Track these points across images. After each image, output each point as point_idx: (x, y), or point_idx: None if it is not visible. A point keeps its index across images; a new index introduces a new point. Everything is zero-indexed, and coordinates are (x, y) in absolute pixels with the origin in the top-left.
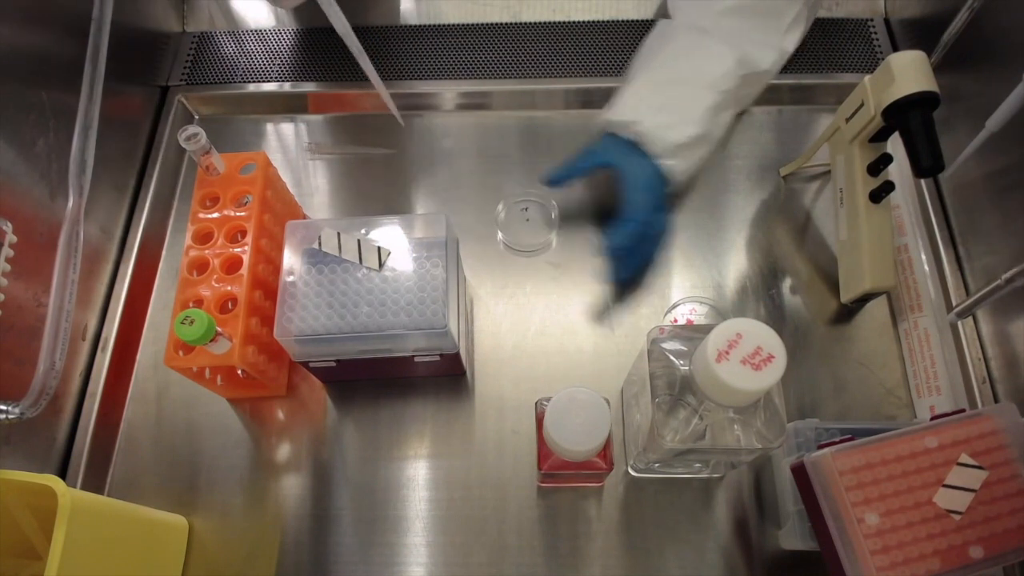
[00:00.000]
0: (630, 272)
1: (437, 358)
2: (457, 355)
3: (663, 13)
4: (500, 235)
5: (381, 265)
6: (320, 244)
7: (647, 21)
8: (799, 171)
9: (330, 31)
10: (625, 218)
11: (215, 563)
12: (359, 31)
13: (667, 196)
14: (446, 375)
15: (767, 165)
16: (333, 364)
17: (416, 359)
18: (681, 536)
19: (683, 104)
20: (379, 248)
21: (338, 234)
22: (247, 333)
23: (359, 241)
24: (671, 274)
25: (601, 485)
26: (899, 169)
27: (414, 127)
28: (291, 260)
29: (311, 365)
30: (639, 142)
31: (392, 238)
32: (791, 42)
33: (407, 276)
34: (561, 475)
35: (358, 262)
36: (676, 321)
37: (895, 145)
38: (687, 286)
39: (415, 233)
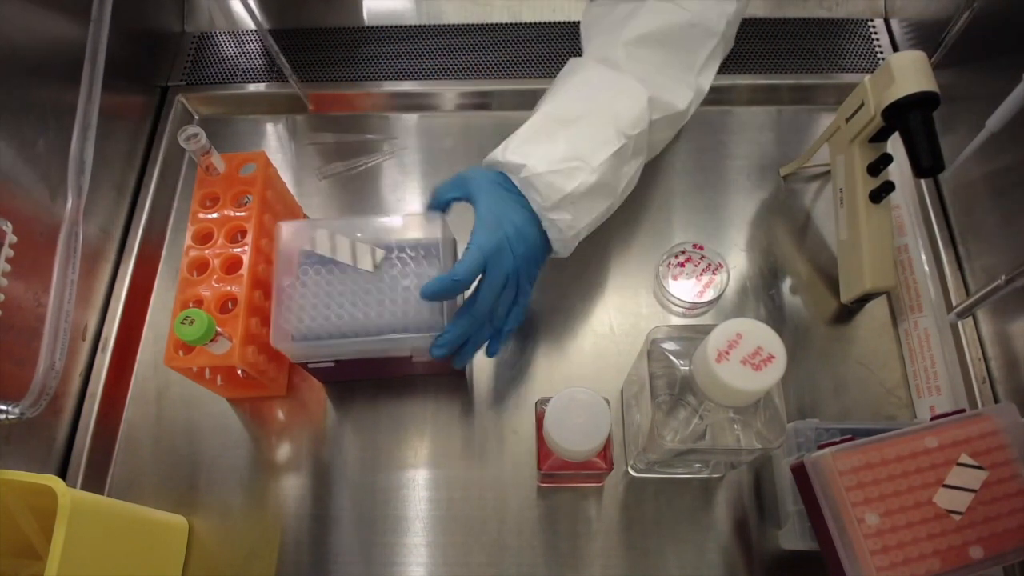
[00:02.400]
0: (442, 353)
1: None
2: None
3: None
4: None
5: (376, 267)
6: (314, 246)
7: None
8: (799, 171)
9: (330, 31)
10: (449, 275)
11: (215, 563)
12: (355, 31)
13: (529, 271)
14: (446, 374)
15: (767, 165)
16: (331, 365)
17: (414, 359)
18: (681, 536)
19: (583, 147)
20: (373, 249)
21: (332, 235)
22: (247, 333)
23: (353, 243)
24: None
25: (601, 485)
26: (899, 169)
27: (414, 127)
28: (285, 262)
29: (309, 366)
30: (524, 191)
31: (387, 239)
32: (706, 81)
33: (403, 278)
34: (561, 475)
35: (352, 264)
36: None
37: (895, 145)
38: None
39: (411, 233)
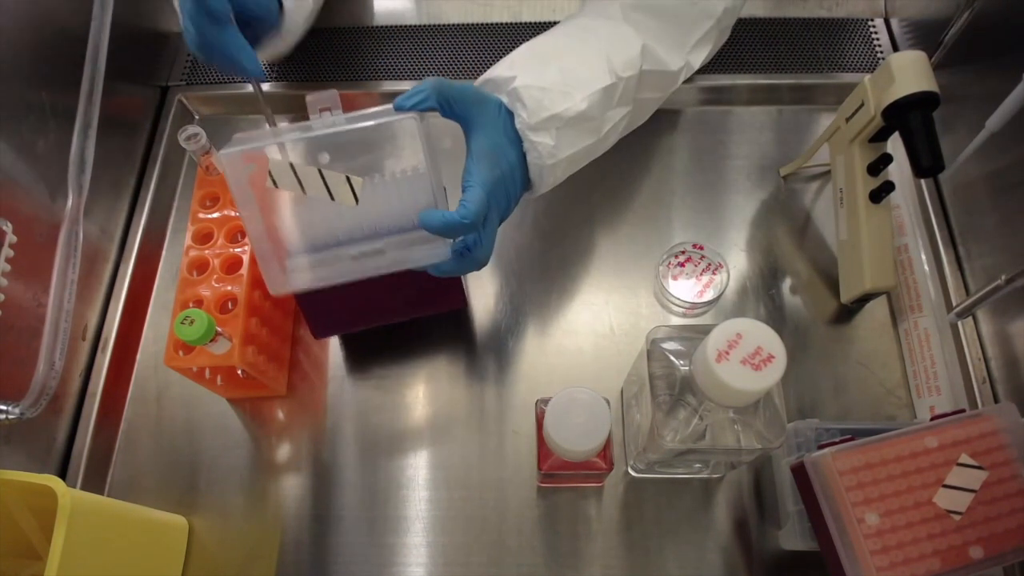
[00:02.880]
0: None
1: (445, 255)
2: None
3: None
4: None
5: (357, 199)
6: (274, 182)
7: None
8: (799, 171)
9: (330, 31)
10: (463, 200)
11: (215, 563)
12: (356, 31)
13: (507, 204)
14: (448, 310)
15: (767, 165)
16: (327, 291)
17: (414, 274)
18: (681, 536)
19: (574, 75)
20: (348, 178)
21: (291, 166)
22: (247, 333)
23: (321, 172)
24: None
25: (601, 485)
26: (899, 169)
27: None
28: (242, 195)
29: (303, 306)
30: (510, 105)
31: (351, 136)
32: (697, 59)
33: (388, 184)
34: (561, 475)
35: (328, 197)
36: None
37: (895, 145)
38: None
39: (374, 120)
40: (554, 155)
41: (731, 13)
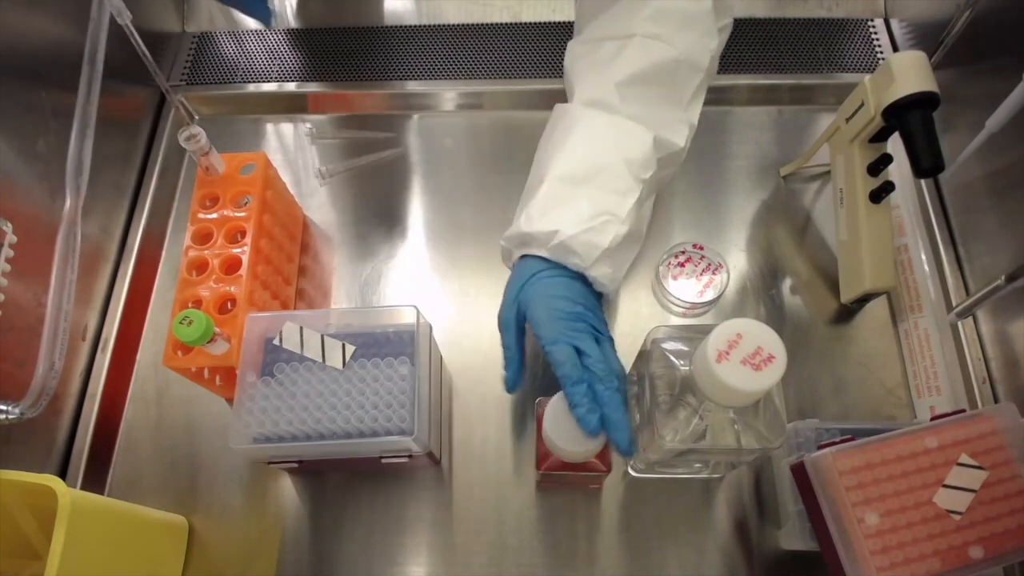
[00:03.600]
0: (624, 434)
1: (406, 459)
2: (428, 452)
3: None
4: None
5: (345, 363)
6: (281, 340)
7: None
8: (799, 171)
9: (330, 31)
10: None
11: (215, 563)
12: (356, 31)
13: (594, 316)
14: (419, 467)
15: (767, 165)
16: (295, 464)
17: (383, 460)
18: (681, 536)
19: (607, 201)
20: (343, 345)
21: (300, 329)
22: None
23: (322, 338)
24: None
25: (600, 487)
26: (899, 169)
27: (414, 127)
28: (250, 355)
29: (271, 464)
30: (560, 257)
31: (359, 330)
32: (694, 114)
33: (373, 375)
34: (559, 475)
35: (321, 360)
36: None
37: (895, 145)
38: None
39: (383, 323)
40: (615, 278)
41: (716, 58)
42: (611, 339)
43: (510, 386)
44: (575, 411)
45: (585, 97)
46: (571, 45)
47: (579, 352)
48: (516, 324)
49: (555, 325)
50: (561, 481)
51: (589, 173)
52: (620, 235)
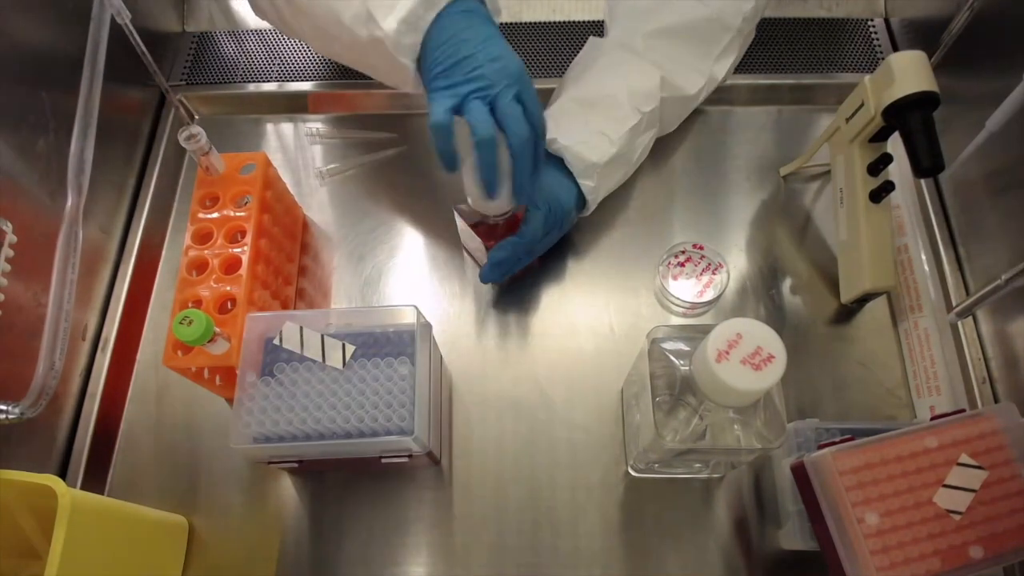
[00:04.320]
0: (498, 278)
1: (406, 459)
2: (428, 452)
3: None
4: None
5: (345, 363)
6: (281, 340)
7: None
8: (799, 171)
9: None
10: (518, 235)
11: (215, 563)
12: None
13: (569, 218)
14: (420, 467)
15: (767, 165)
16: (295, 464)
17: (383, 460)
18: (681, 536)
19: (604, 123)
20: (343, 345)
21: (300, 329)
22: None
23: (322, 337)
24: None
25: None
26: (899, 169)
27: (414, 127)
28: (250, 355)
29: (271, 464)
30: (560, 158)
31: (359, 329)
32: (721, 70)
33: (373, 375)
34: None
35: (321, 360)
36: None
37: (895, 145)
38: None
39: (383, 323)
40: (595, 191)
41: (751, 20)
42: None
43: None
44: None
45: (616, 38)
46: None
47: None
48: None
49: (549, 191)
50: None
51: (596, 98)
52: (608, 154)
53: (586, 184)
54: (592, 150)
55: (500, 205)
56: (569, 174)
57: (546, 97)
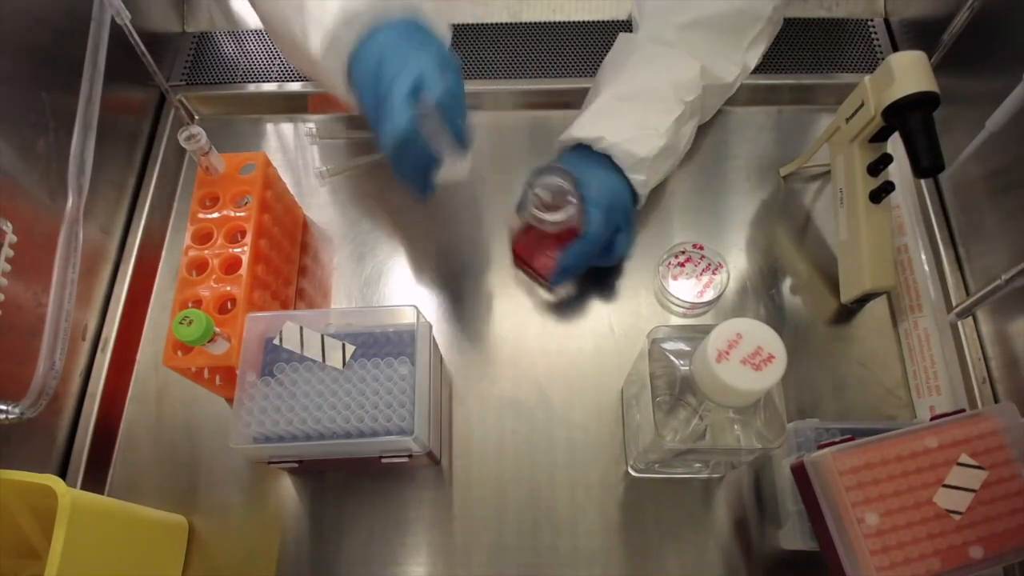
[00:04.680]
0: (569, 279)
1: (406, 459)
2: (428, 452)
3: (630, 27)
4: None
5: (345, 363)
6: (281, 340)
7: None
8: (799, 171)
9: None
10: (582, 237)
11: (215, 563)
12: None
13: (631, 213)
14: (420, 467)
15: (767, 165)
16: (295, 464)
17: (383, 460)
18: (681, 536)
19: (649, 116)
20: (343, 345)
21: (300, 329)
22: None
23: (322, 337)
24: None
25: (543, 284)
26: (899, 169)
27: None
28: (250, 355)
29: (270, 463)
30: (608, 155)
31: (359, 329)
32: (753, 58)
33: (373, 375)
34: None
35: (321, 360)
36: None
37: (895, 145)
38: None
39: (383, 323)
40: (647, 184)
41: (780, 8)
42: (631, 232)
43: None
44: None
45: (648, 32)
46: None
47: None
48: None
49: (607, 194)
50: (527, 259)
51: (637, 92)
52: (657, 148)
53: (637, 179)
54: (641, 145)
55: (556, 217)
56: (619, 170)
57: (545, 97)
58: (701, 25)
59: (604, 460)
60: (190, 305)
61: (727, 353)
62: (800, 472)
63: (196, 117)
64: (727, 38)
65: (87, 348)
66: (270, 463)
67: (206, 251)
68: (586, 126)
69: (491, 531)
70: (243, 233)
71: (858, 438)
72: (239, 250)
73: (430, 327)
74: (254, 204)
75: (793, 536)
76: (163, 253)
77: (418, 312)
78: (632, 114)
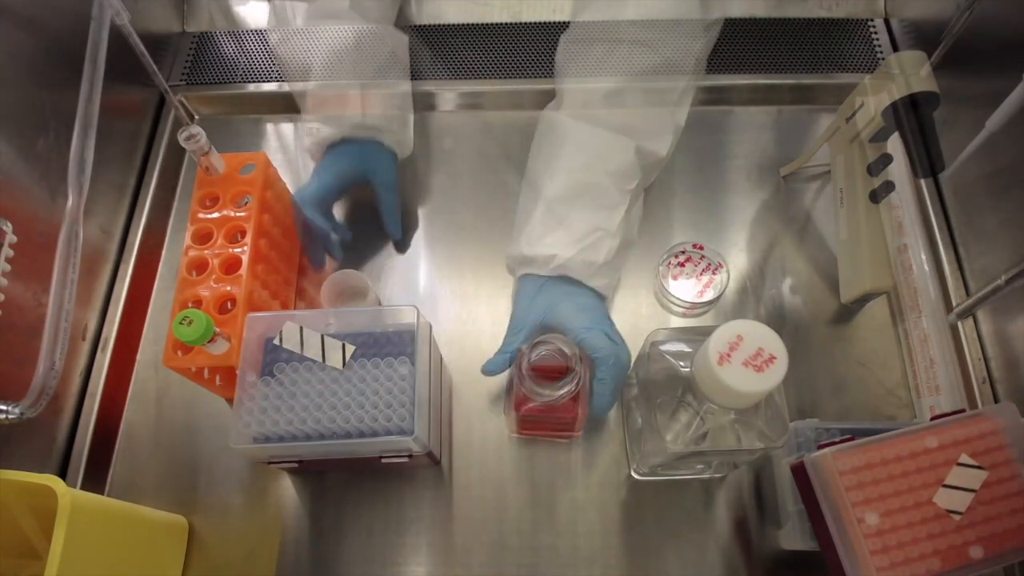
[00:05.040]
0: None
1: (406, 459)
2: (428, 452)
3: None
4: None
5: (345, 363)
6: (281, 340)
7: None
8: (799, 171)
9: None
10: (606, 372)
11: (215, 563)
12: None
13: (606, 318)
14: (420, 467)
15: (767, 165)
16: (295, 464)
17: (383, 460)
18: (681, 536)
19: (596, 218)
20: (343, 345)
21: (300, 329)
22: None
23: (322, 337)
24: None
25: (573, 438)
26: (899, 169)
27: (414, 127)
28: (250, 355)
29: (271, 464)
30: (563, 275)
31: (359, 329)
32: (682, 116)
33: (373, 375)
34: (534, 421)
35: (321, 360)
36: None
37: (895, 145)
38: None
39: (383, 323)
40: (611, 284)
41: (701, 60)
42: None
43: (495, 370)
44: (603, 387)
45: (573, 106)
46: (563, 40)
47: (607, 336)
48: (530, 327)
49: (587, 315)
50: (535, 427)
51: (578, 192)
52: (613, 248)
53: (600, 284)
54: (596, 251)
55: (559, 391)
56: (577, 284)
57: (545, 97)
58: (626, 89)
59: (604, 460)
60: (190, 305)
61: (728, 355)
62: (800, 472)
63: (196, 117)
64: (653, 101)
65: (87, 348)
66: (270, 463)
67: (206, 251)
68: (535, 242)
69: (491, 531)
70: (243, 233)
71: (858, 438)
72: (239, 250)
73: (430, 327)
74: (254, 204)
75: (793, 536)
76: (163, 253)
77: (418, 312)
78: (578, 221)
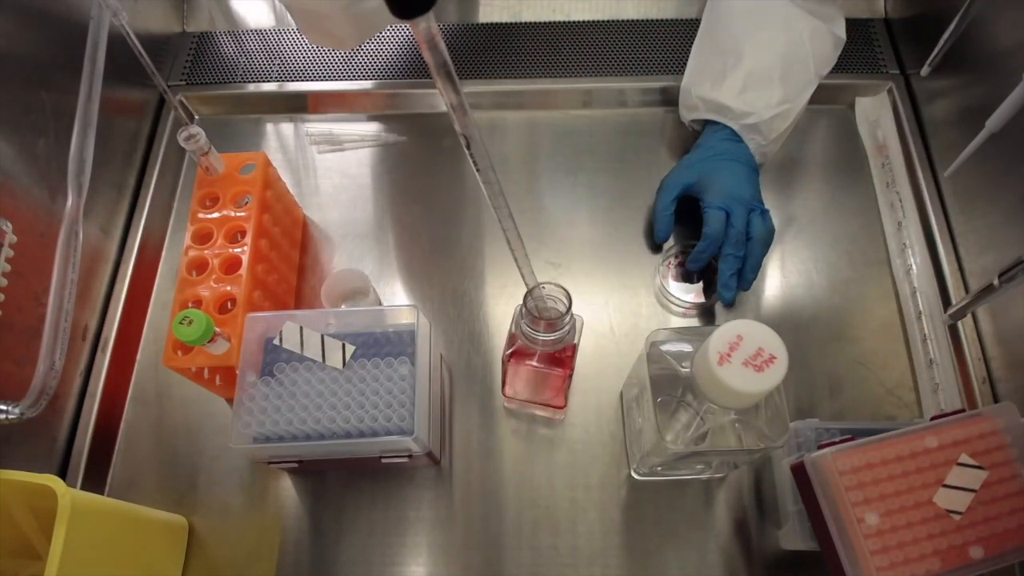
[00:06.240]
0: (742, 287)
1: (406, 459)
2: (428, 452)
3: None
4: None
5: (345, 363)
6: (281, 340)
7: (647, 21)
8: (798, 171)
9: None
10: (704, 238)
11: (215, 563)
12: None
13: (756, 188)
14: (420, 466)
15: (766, 164)
16: (295, 464)
17: (383, 459)
18: (681, 536)
19: (791, 91)
20: (343, 345)
21: (300, 329)
22: None
23: (322, 337)
24: None
25: (558, 413)
26: (899, 169)
27: (415, 127)
28: (250, 355)
29: (271, 464)
30: (745, 133)
31: (359, 329)
32: (839, 28)
33: (373, 375)
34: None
35: (321, 360)
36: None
37: (895, 145)
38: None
39: (383, 323)
40: (773, 151)
41: None
42: (764, 210)
43: (663, 237)
44: (754, 260)
45: None
46: None
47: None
48: (681, 187)
49: (753, 188)
50: (524, 389)
51: (784, 64)
52: (793, 120)
53: (773, 149)
54: (784, 119)
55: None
56: (740, 148)
57: (545, 97)
58: None
59: (604, 460)
60: (190, 305)
61: (728, 355)
62: (800, 472)
63: (196, 117)
64: None
65: (87, 348)
66: (270, 463)
67: (206, 251)
68: (735, 95)
69: (491, 531)
70: (243, 233)
71: (858, 438)
72: (239, 250)
73: (430, 327)
74: (254, 204)
75: (793, 536)
76: (163, 253)
77: (418, 312)
78: (779, 89)
